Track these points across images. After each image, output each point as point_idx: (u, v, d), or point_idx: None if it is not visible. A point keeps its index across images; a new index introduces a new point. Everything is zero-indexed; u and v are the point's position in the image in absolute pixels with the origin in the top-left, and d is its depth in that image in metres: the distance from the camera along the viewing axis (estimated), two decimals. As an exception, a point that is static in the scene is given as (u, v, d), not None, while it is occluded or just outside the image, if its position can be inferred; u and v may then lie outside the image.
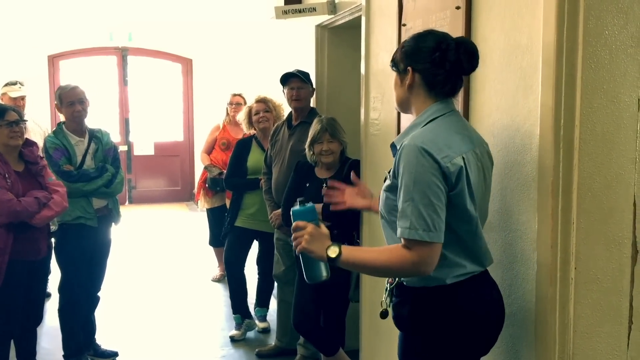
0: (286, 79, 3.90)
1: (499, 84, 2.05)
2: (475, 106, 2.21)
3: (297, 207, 1.95)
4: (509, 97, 2.00)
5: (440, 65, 1.83)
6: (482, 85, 2.15)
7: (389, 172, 1.90)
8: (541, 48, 1.80)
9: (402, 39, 2.50)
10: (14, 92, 4.99)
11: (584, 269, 1.76)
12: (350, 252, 1.82)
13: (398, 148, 1.82)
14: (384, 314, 2.03)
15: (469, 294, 1.85)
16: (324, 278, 1.91)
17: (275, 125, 4.13)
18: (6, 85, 5.06)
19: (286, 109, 4.39)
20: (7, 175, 3.16)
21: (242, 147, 4.42)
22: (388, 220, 1.90)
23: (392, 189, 1.83)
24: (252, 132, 4.52)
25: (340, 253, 1.80)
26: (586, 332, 1.78)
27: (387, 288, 1.98)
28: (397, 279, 1.93)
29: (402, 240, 1.74)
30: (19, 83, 5.09)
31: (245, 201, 4.34)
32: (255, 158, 4.33)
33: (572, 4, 1.70)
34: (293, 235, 1.87)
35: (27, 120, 3.41)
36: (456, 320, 1.83)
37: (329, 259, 1.81)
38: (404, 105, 1.96)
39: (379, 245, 2.08)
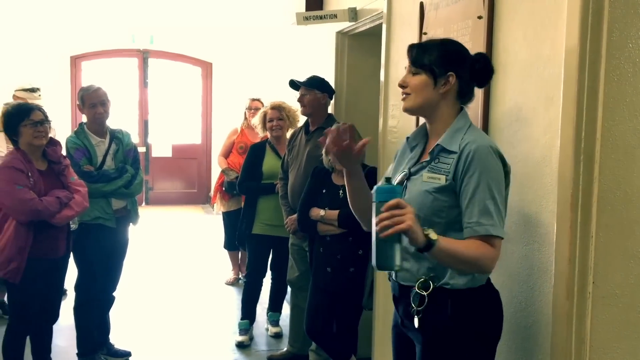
0: (294, 86, 3.94)
1: (520, 95, 2.05)
2: (495, 116, 2.20)
3: (384, 184, 1.70)
4: (530, 108, 1.99)
5: (477, 75, 1.89)
6: (503, 95, 2.15)
7: (428, 173, 1.87)
8: (563, 59, 1.79)
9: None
10: (35, 101, 4.98)
11: (602, 283, 1.75)
12: (445, 239, 1.73)
13: (456, 150, 1.82)
14: (420, 322, 1.88)
15: (493, 292, 1.94)
16: (396, 267, 1.70)
17: (293, 130, 4.14)
18: (26, 90, 5.07)
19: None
20: (30, 174, 3.20)
21: (256, 151, 4.44)
22: (429, 222, 1.81)
23: (446, 190, 1.83)
24: (267, 135, 4.54)
25: (437, 238, 1.68)
26: (602, 348, 1.76)
27: (416, 295, 1.88)
28: (433, 284, 1.85)
29: (479, 238, 1.76)
30: (39, 90, 5.10)
31: (260, 207, 4.34)
32: (270, 163, 4.35)
33: (596, 16, 1.70)
34: (390, 212, 1.62)
35: (51, 120, 3.45)
36: (489, 316, 1.90)
37: (429, 241, 1.66)
38: (426, 109, 1.91)
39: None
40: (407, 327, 1.98)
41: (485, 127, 2.23)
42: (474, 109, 2.18)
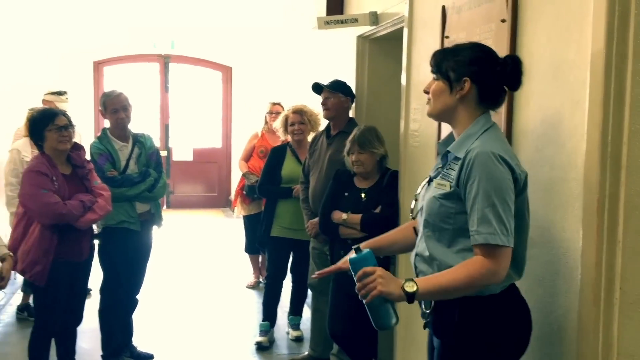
0: (317, 89, 3.94)
1: (545, 98, 2.03)
2: (519, 120, 2.19)
3: (354, 255, 1.86)
4: (555, 112, 1.97)
5: (498, 79, 1.86)
6: (527, 99, 2.13)
7: (438, 179, 1.89)
8: (589, 63, 1.77)
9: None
10: (62, 103, 5.07)
11: (630, 289, 1.72)
12: (425, 282, 1.78)
13: (460, 156, 1.82)
14: (427, 325, 1.98)
15: (511, 302, 1.89)
16: (394, 324, 1.83)
17: (315, 134, 4.15)
18: (54, 93, 5.16)
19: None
20: (54, 178, 3.25)
21: (277, 154, 4.45)
22: (438, 228, 1.87)
23: (451, 197, 1.83)
24: (289, 138, 4.55)
25: (417, 286, 1.74)
26: (631, 355, 1.74)
27: None
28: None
29: (479, 247, 1.75)
30: (66, 94, 5.19)
31: (279, 210, 4.37)
32: (289, 167, 4.36)
33: (622, 18, 1.68)
34: (361, 283, 1.78)
35: (75, 125, 3.50)
36: (503, 327, 1.86)
37: (408, 295, 1.74)
38: (445, 115, 1.94)
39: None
40: (426, 326, 2.01)
41: (510, 131, 2.22)
42: (497, 113, 2.17)
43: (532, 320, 2.03)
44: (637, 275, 1.72)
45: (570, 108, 1.90)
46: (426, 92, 1.95)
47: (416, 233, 2.07)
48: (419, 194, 2.02)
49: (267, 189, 4.44)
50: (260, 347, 4.35)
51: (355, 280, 1.81)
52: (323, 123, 4.53)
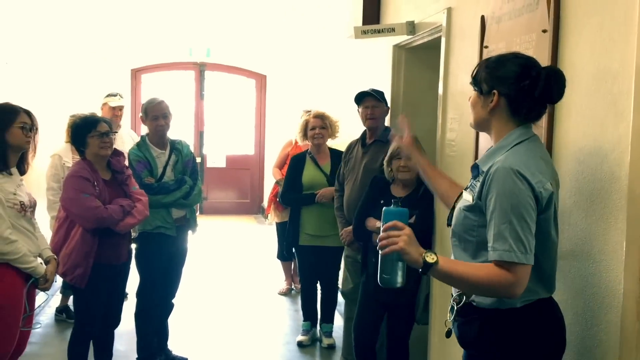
0: (361, 98, 3.93)
1: (587, 109, 2.01)
2: (560, 132, 2.17)
3: (392, 207, 1.85)
4: (598, 123, 1.95)
5: (528, 92, 1.83)
6: (569, 111, 2.11)
7: (466, 191, 1.92)
8: (634, 74, 1.75)
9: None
10: (114, 102, 5.26)
11: (675, 304, 1.69)
12: (447, 262, 1.78)
13: (485, 170, 1.82)
14: (449, 333, 2.01)
15: (537, 318, 1.85)
16: (398, 284, 1.81)
17: (349, 143, 4.16)
18: (108, 96, 5.34)
19: (351, 128, 4.44)
20: (95, 183, 3.33)
21: (297, 162, 4.52)
22: (463, 239, 1.90)
23: (474, 210, 1.84)
24: (308, 144, 4.59)
25: (437, 260, 1.75)
26: (674, 371, 1.70)
27: (452, 307, 1.97)
28: (465, 298, 1.91)
29: (496, 263, 1.73)
30: (119, 95, 5.35)
31: (303, 218, 4.41)
32: (309, 174, 4.41)
33: (669, 29, 1.66)
34: (386, 233, 1.76)
35: (116, 132, 3.57)
36: (524, 342, 1.84)
37: (426, 264, 1.73)
38: (482, 126, 1.97)
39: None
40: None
41: (550, 142, 2.19)
42: (538, 124, 2.15)
43: (573, 334, 2.01)
44: (683, 290, 1.69)
45: (613, 119, 1.87)
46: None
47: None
48: (456, 202, 2.03)
49: (290, 197, 4.50)
50: (301, 346, 4.49)
51: (381, 229, 1.79)
52: (342, 132, 4.57)
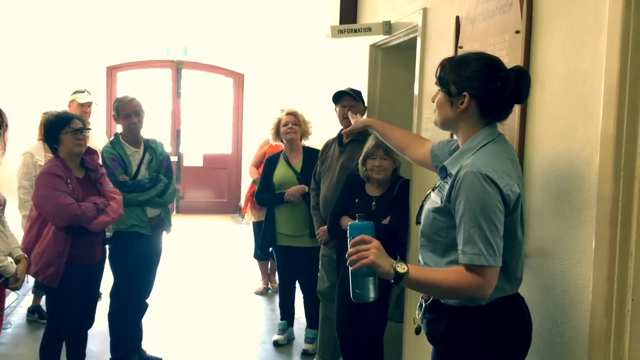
0: (338, 97, 3.94)
1: (558, 110, 2.04)
2: (532, 132, 2.19)
3: (356, 221, 1.85)
4: (568, 123, 1.98)
5: (498, 94, 1.83)
6: (540, 111, 2.14)
7: (434, 192, 1.93)
8: (603, 75, 1.78)
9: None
10: (82, 99, 5.19)
11: (642, 301, 1.72)
12: (417, 271, 1.79)
13: (453, 173, 1.83)
14: (418, 330, 2.05)
15: (503, 314, 1.88)
16: (371, 299, 1.81)
17: (326, 142, 4.17)
18: (75, 92, 5.27)
19: (328, 128, 4.46)
20: (69, 181, 3.29)
21: (271, 162, 4.55)
22: (432, 240, 1.92)
23: (442, 212, 1.86)
24: (278, 143, 4.64)
25: (408, 270, 1.75)
26: (642, 367, 1.73)
27: (421, 304, 1.99)
28: (431, 296, 1.94)
29: (466, 265, 1.75)
30: (87, 91, 5.29)
31: (277, 217, 4.42)
32: (280, 173, 4.43)
33: (637, 30, 1.69)
34: (355, 248, 1.75)
35: (90, 129, 3.54)
36: (490, 338, 1.87)
37: (397, 275, 1.74)
38: (449, 126, 1.97)
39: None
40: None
41: (522, 142, 2.22)
42: (510, 124, 2.18)
43: (543, 331, 2.04)
44: (650, 288, 1.72)
45: (583, 119, 1.90)
46: (433, 102, 1.97)
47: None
48: (425, 201, 2.04)
49: (262, 196, 4.52)
50: (277, 345, 4.50)
51: (349, 245, 1.79)
52: (314, 132, 4.58)
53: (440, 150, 2.22)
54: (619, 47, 1.70)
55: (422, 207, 2.03)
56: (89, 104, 5.23)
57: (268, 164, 4.57)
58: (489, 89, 1.83)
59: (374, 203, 3.40)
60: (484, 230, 1.72)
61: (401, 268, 1.75)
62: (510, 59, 2.26)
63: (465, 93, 1.84)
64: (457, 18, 2.79)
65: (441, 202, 1.86)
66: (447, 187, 1.85)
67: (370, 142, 3.44)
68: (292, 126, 4.41)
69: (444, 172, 1.92)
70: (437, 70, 1.94)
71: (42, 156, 4.39)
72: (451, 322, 1.89)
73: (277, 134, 4.57)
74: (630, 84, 1.70)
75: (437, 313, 1.93)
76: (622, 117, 1.71)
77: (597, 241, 1.80)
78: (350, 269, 1.77)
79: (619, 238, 1.72)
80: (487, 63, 1.86)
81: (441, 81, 1.91)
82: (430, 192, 2.01)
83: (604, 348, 1.76)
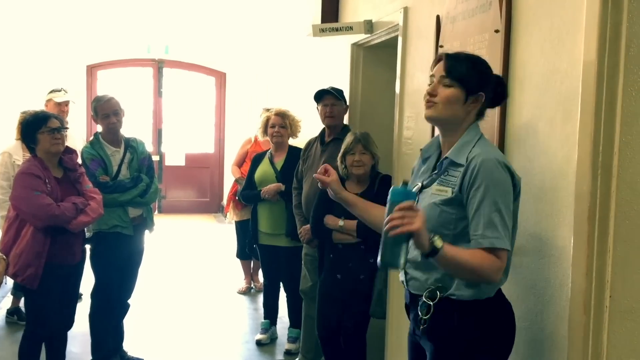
0: (320, 96, 3.94)
1: (537, 108, 2.06)
2: (512, 130, 2.21)
3: (401, 187, 1.78)
4: (547, 122, 2.00)
5: (497, 97, 1.95)
6: (520, 109, 2.16)
7: (435, 185, 1.91)
8: (581, 74, 1.80)
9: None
10: (59, 98, 5.12)
11: (620, 297, 1.74)
12: (449, 247, 1.76)
13: (461, 163, 1.86)
14: (425, 331, 1.94)
15: (504, 305, 1.94)
16: (401, 266, 1.76)
17: (308, 140, 4.17)
18: (52, 92, 5.21)
19: (310, 126, 4.45)
20: (47, 181, 3.25)
21: (256, 160, 4.56)
22: (439, 234, 1.83)
23: (452, 203, 1.86)
24: (266, 138, 4.64)
25: (442, 245, 1.72)
26: (620, 362, 1.76)
27: (423, 303, 1.93)
28: (440, 294, 1.90)
29: (486, 249, 1.78)
30: (63, 90, 5.22)
31: (259, 216, 4.43)
32: (261, 170, 4.44)
33: (614, 30, 1.71)
34: (402, 213, 1.68)
35: (68, 128, 3.50)
36: (496, 331, 1.90)
37: (434, 247, 1.71)
38: (451, 123, 1.92)
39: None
40: (417, 335, 2.01)
41: (502, 140, 2.24)
42: (490, 122, 2.20)
43: (524, 327, 2.06)
44: (627, 284, 1.74)
45: (562, 118, 1.92)
46: (432, 95, 1.89)
47: None
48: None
49: (245, 193, 4.55)
50: (260, 344, 4.49)
51: (389, 209, 1.72)
52: (303, 131, 4.58)
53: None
54: (596, 47, 1.72)
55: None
56: (66, 103, 5.16)
57: (254, 161, 4.58)
58: (495, 90, 1.93)
59: (407, 185, 3.40)
60: (503, 215, 1.79)
61: (438, 242, 1.72)
62: (490, 58, 2.27)
63: (482, 93, 1.89)
64: (438, 17, 2.80)
65: (452, 192, 1.86)
66: (455, 177, 1.86)
67: (348, 138, 3.45)
68: (279, 129, 4.40)
69: (443, 165, 1.91)
70: (446, 64, 1.89)
71: (21, 156, 4.33)
72: (463, 317, 1.88)
73: (266, 131, 4.57)
74: (608, 83, 1.72)
75: (446, 309, 1.89)
76: (600, 115, 1.73)
77: (576, 238, 1.82)
78: (388, 233, 1.69)
79: (597, 235, 1.74)
80: (488, 65, 1.95)
81: (460, 76, 1.86)
82: (418, 188, 1.98)
83: (582, 344, 1.78)
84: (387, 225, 1.70)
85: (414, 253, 1.94)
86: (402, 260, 1.74)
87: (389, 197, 1.76)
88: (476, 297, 1.87)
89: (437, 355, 1.94)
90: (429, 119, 1.95)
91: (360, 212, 2.31)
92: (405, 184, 1.80)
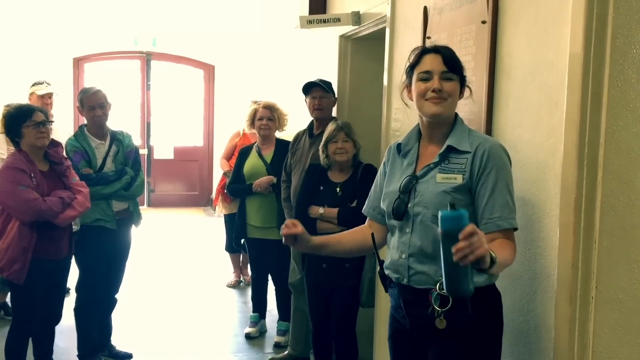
0: (308, 88, 3.92)
1: (524, 99, 2.05)
2: (499, 121, 2.21)
3: (450, 210, 1.59)
4: (533, 113, 2.00)
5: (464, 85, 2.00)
6: (506, 100, 2.15)
7: (442, 174, 1.89)
8: (567, 65, 1.80)
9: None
10: (41, 90, 5.07)
11: (605, 288, 1.75)
12: (498, 253, 1.67)
13: (466, 150, 1.88)
14: (441, 323, 1.87)
15: (497, 291, 1.98)
16: (472, 291, 1.65)
17: (297, 133, 4.15)
18: (34, 84, 5.15)
19: (299, 119, 4.44)
20: (32, 175, 3.21)
21: (243, 153, 4.53)
22: None
23: (463, 189, 1.87)
24: (253, 131, 4.62)
25: (496, 255, 1.65)
26: (605, 353, 1.77)
27: (435, 295, 1.86)
28: None
29: (503, 232, 1.82)
30: (46, 82, 5.17)
31: (248, 209, 4.41)
32: (250, 163, 4.42)
33: (600, 21, 1.70)
34: (469, 241, 1.52)
35: (53, 121, 3.46)
36: (497, 316, 1.95)
37: (492, 262, 1.62)
38: (450, 116, 1.95)
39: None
40: (420, 331, 1.94)
41: (489, 131, 2.24)
42: (477, 113, 2.19)
43: (510, 319, 2.07)
44: (613, 275, 1.75)
45: (548, 109, 1.92)
46: (439, 91, 1.87)
47: (374, 240, 2.04)
48: (399, 193, 1.96)
49: (233, 187, 4.51)
50: (249, 338, 4.47)
51: (447, 239, 1.57)
52: (290, 125, 4.56)
53: (375, 207, 2.13)
54: (582, 38, 1.72)
55: (408, 191, 1.93)
56: (49, 95, 5.11)
57: (240, 155, 4.55)
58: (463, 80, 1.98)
59: (338, 189, 3.41)
60: (513, 197, 1.87)
61: (495, 254, 1.64)
62: (477, 49, 2.27)
63: (467, 83, 1.97)
64: (425, 8, 2.79)
65: (462, 179, 1.86)
66: (461, 164, 1.87)
67: (330, 127, 3.45)
68: (267, 122, 4.38)
69: (442, 154, 1.90)
70: (444, 58, 1.89)
71: (5, 150, 4.29)
72: (476, 303, 1.83)
73: (253, 123, 4.54)
74: (594, 74, 1.72)
75: (459, 300, 1.82)
76: (586, 106, 1.73)
77: (562, 229, 1.82)
78: (458, 264, 1.55)
79: (582, 226, 1.75)
80: None
81: (458, 68, 1.92)
82: (404, 183, 1.94)
83: (569, 335, 1.78)
84: (456, 256, 1.53)
85: (414, 247, 1.92)
86: (472, 285, 1.64)
87: (440, 224, 1.59)
88: (488, 283, 1.88)
89: (454, 345, 1.88)
90: (439, 115, 1.90)
91: (334, 248, 2.19)
92: (452, 206, 1.60)
